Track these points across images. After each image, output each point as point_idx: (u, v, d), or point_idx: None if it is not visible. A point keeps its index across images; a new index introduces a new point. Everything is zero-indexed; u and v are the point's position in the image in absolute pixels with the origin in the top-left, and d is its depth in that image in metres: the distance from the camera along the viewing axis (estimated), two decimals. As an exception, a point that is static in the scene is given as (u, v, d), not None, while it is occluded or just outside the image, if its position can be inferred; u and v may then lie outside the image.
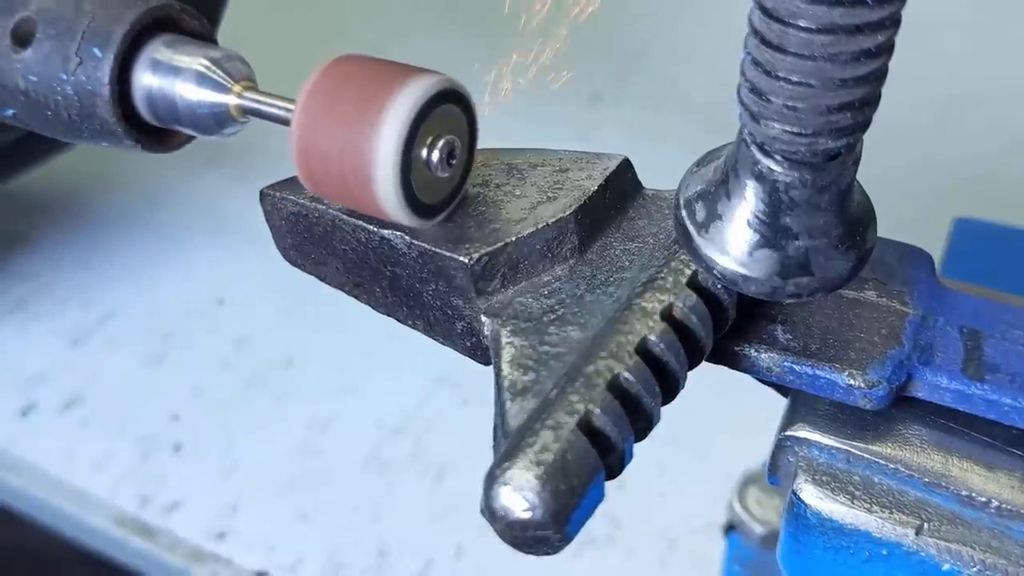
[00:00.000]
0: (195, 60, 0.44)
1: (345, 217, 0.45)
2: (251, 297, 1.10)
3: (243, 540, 0.90)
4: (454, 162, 0.42)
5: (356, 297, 0.49)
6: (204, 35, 0.47)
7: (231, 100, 0.44)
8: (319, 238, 0.47)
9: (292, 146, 0.41)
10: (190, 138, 0.48)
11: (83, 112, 0.45)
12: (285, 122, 0.43)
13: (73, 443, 0.98)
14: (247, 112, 0.44)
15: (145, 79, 0.45)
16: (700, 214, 0.38)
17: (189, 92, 0.44)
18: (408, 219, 0.41)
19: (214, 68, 0.44)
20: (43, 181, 1.24)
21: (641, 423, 0.38)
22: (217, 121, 0.45)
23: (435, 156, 0.41)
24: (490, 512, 0.34)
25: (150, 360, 1.06)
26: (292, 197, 0.47)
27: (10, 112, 0.47)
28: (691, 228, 0.39)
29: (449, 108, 0.41)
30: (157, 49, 0.45)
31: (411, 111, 0.39)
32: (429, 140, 0.41)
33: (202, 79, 0.44)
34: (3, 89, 0.46)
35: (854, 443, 0.41)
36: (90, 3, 0.45)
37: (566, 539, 0.35)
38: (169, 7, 0.46)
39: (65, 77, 0.45)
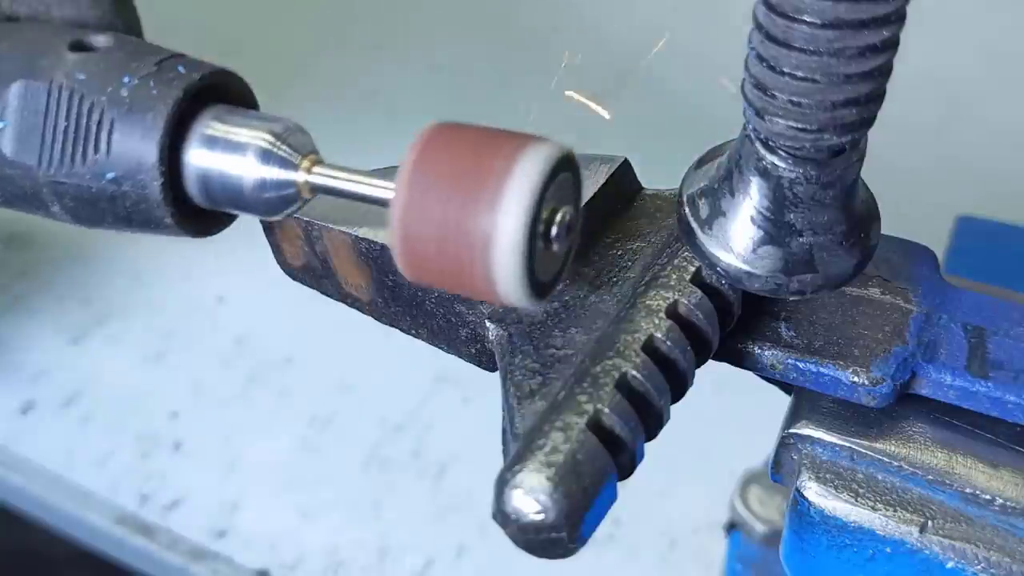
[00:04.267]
0: (256, 135, 0.38)
1: (345, 231, 0.45)
2: (251, 295, 1.10)
3: (243, 538, 0.90)
4: (571, 234, 0.37)
5: (359, 309, 0.48)
6: (252, 102, 0.42)
7: (300, 177, 0.38)
8: (319, 252, 0.47)
9: (394, 231, 0.36)
10: (233, 219, 0.43)
11: (129, 205, 0.39)
12: (378, 202, 0.38)
13: (73, 441, 0.98)
14: (317, 190, 0.39)
15: (198, 159, 0.39)
16: (703, 211, 0.38)
17: (252, 171, 0.38)
18: (526, 301, 0.36)
19: (278, 143, 0.39)
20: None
21: (651, 421, 0.37)
22: (285, 201, 0.39)
23: (553, 231, 0.36)
24: (502, 516, 0.34)
25: (150, 358, 1.06)
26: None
27: (56, 208, 0.41)
28: (694, 225, 0.38)
29: (564, 176, 0.36)
30: (207, 124, 0.39)
31: (534, 187, 0.34)
32: (546, 214, 0.36)
33: (267, 156, 0.38)
34: (43, 184, 0.41)
35: (858, 440, 0.41)
36: (124, 85, 0.39)
37: (579, 541, 0.34)
38: (219, 74, 0.40)
39: (106, 168, 0.39)
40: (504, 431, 0.38)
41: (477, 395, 0.98)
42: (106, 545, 0.94)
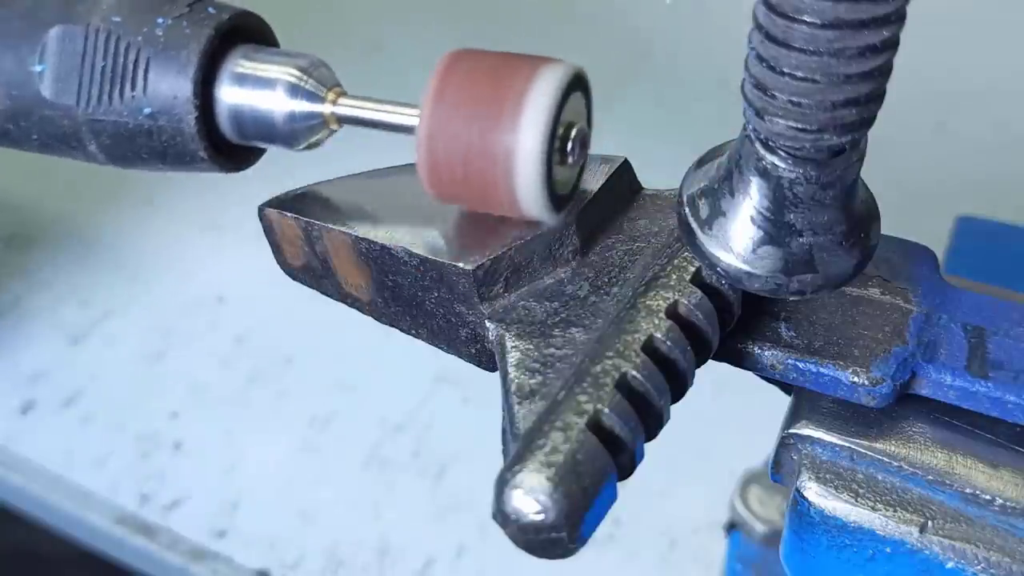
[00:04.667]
0: (284, 70, 0.41)
1: (345, 231, 0.45)
2: (251, 294, 1.10)
3: (243, 538, 0.90)
4: (585, 150, 0.40)
5: (359, 309, 0.48)
6: (275, 43, 0.43)
7: (327, 109, 0.41)
8: (319, 253, 0.47)
9: (420, 154, 0.39)
10: (262, 153, 0.45)
11: (165, 139, 0.41)
12: (402, 129, 0.40)
13: (73, 441, 0.98)
14: (344, 121, 0.41)
15: (229, 96, 0.41)
16: (703, 211, 0.38)
17: (282, 104, 0.41)
18: (547, 214, 0.40)
19: (305, 77, 0.41)
20: (42, 179, 1.24)
21: (651, 421, 0.37)
22: (312, 132, 0.42)
23: (569, 147, 0.39)
24: (502, 516, 0.34)
25: (150, 357, 1.06)
26: (291, 213, 0.47)
27: (93, 147, 0.43)
28: (694, 225, 0.38)
29: (576, 96, 0.39)
30: (237, 62, 0.41)
31: (551, 104, 0.37)
32: (562, 131, 0.39)
33: (295, 90, 0.41)
34: (82, 123, 0.42)
35: (858, 440, 0.41)
36: (158, 26, 0.41)
37: (579, 541, 0.34)
38: (245, 15, 0.42)
39: (143, 104, 0.41)
40: (504, 431, 0.38)
41: (477, 395, 0.99)
42: (106, 545, 0.94)
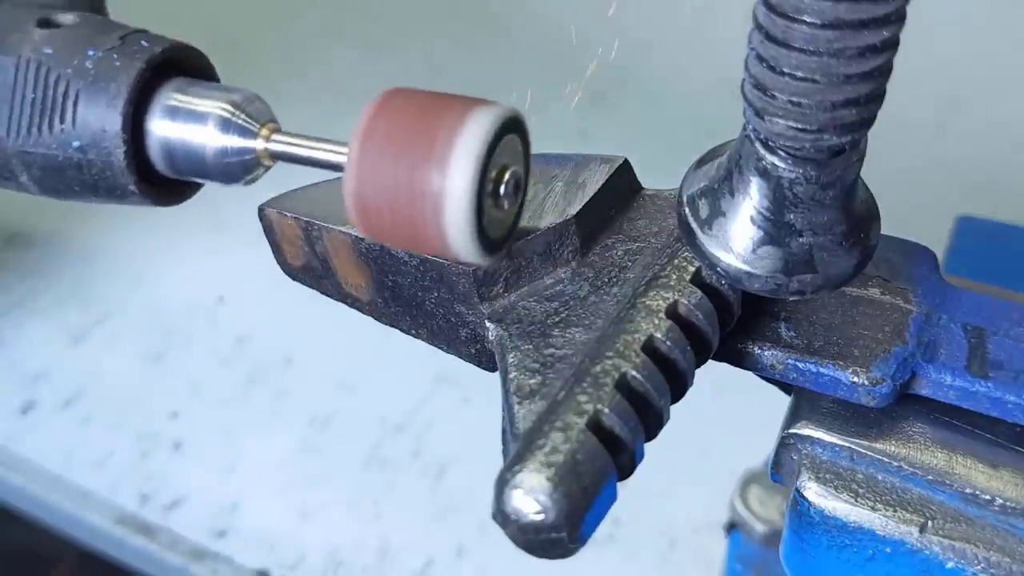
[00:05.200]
0: (216, 104, 0.40)
1: (345, 231, 0.45)
2: (251, 295, 1.10)
3: (243, 538, 0.90)
4: (519, 194, 0.40)
5: (359, 310, 0.49)
6: (212, 75, 0.43)
7: (259, 145, 0.40)
8: (319, 253, 0.47)
9: (348, 192, 0.38)
10: (198, 188, 0.44)
11: (95, 172, 0.41)
12: (333, 167, 0.39)
13: (73, 441, 0.98)
14: (276, 157, 0.41)
15: (160, 129, 0.40)
16: (703, 211, 0.38)
17: (214, 140, 0.40)
18: (478, 257, 0.38)
19: (237, 112, 0.40)
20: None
21: (651, 421, 0.37)
22: (245, 169, 0.41)
23: (502, 190, 0.38)
24: (502, 516, 0.34)
25: (150, 358, 1.06)
26: (291, 213, 0.47)
27: (24, 178, 0.42)
28: (694, 225, 0.38)
29: (511, 138, 0.38)
30: (169, 96, 0.41)
31: (482, 145, 0.36)
32: (495, 173, 0.38)
33: (227, 125, 0.40)
34: (12, 155, 0.42)
35: (858, 441, 0.41)
36: (89, 58, 0.40)
37: (579, 541, 0.34)
38: (180, 48, 0.41)
39: (72, 137, 0.40)
40: (504, 431, 0.38)
41: (477, 395, 0.99)
42: (106, 545, 0.94)
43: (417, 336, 0.47)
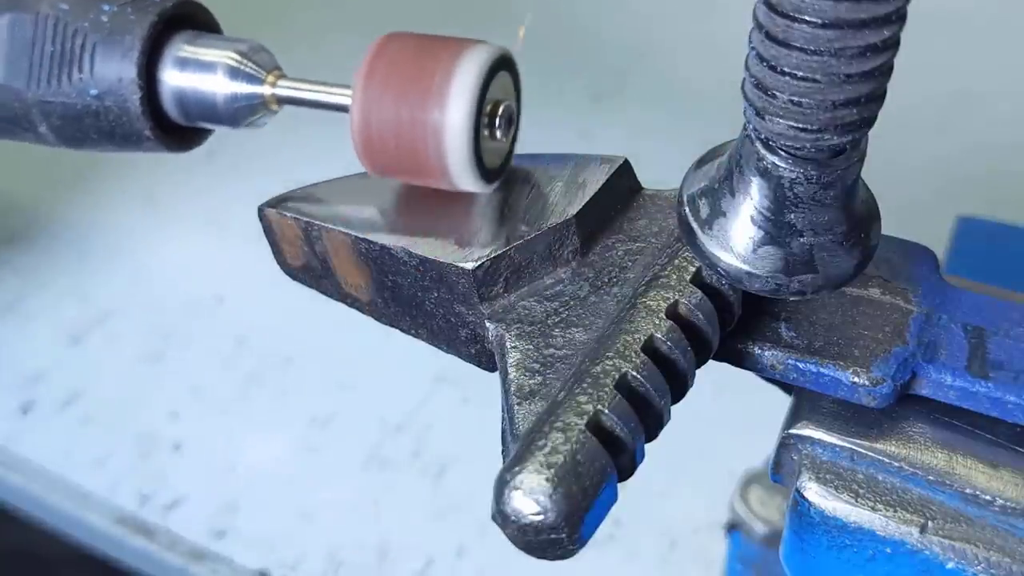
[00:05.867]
0: (224, 54, 0.43)
1: (345, 231, 0.45)
2: (251, 294, 1.10)
3: (243, 539, 0.90)
4: (512, 126, 0.43)
5: (359, 310, 0.49)
6: (217, 29, 0.46)
7: (266, 90, 0.44)
8: (319, 253, 0.47)
9: (354, 130, 0.41)
10: (209, 134, 0.47)
11: (112, 119, 0.43)
12: (337, 108, 0.43)
13: (72, 441, 0.98)
14: (283, 101, 0.44)
15: (173, 78, 0.43)
16: (704, 211, 0.38)
17: (223, 87, 0.43)
18: (477, 185, 0.43)
19: (244, 60, 0.44)
20: (41, 179, 1.24)
21: (651, 422, 0.37)
22: (253, 112, 0.44)
23: (497, 122, 0.42)
24: (501, 517, 0.34)
25: (149, 358, 1.06)
26: (290, 213, 0.47)
27: (43, 128, 0.45)
28: (694, 225, 0.38)
29: (503, 75, 0.42)
30: (180, 47, 0.44)
31: (477, 82, 0.40)
32: (489, 108, 0.42)
33: (235, 73, 0.43)
34: (32, 105, 0.44)
35: (858, 441, 0.41)
36: (104, 12, 0.43)
37: (579, 542, 0.34)
38: (187, 3, 0.44)
39: (90, 86, 0.43)
40: (504, 431, 0.38)
41: (477, 395, 0.98)
42: (105, 545, 0.94)
43: (417, 336, 0.47)
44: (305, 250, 0.48)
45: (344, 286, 0.48)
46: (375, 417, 0.99)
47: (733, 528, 0.72)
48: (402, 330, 0.48)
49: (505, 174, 0.45)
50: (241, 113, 0.44)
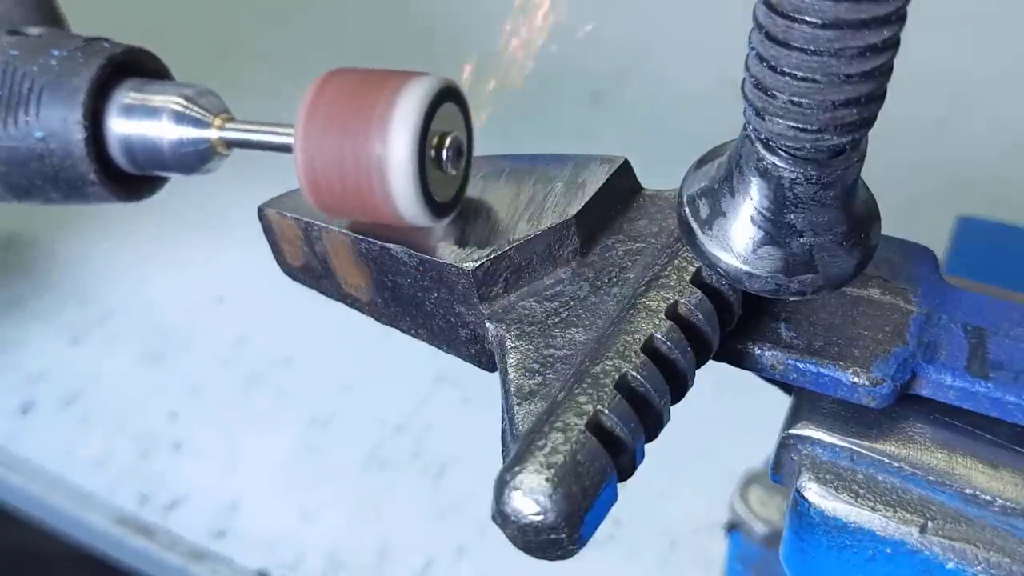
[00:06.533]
0: (169, 99, 0.43)
1: (345, 231, 0.45)
2: (251, 295, 1.10)
3: (243, 539, 0.90)
4: (461, 158, 0.42)
5: (359, 310, 0.49)
6: (165, 75, 0.46)
7: (213, 134, 0.43)
8: (319, 253, 0.47)
9: (299, 171, 0.41)
10: (163, 183, 0.47)
11: (56, 162, 0.43)
12: (282, 148, 0.42)
13: (72, 441, 0.98)
14: (231, 144, 0.44)
15: (119, 126, 0.43)
16: (703, 211, 0.38)
17: (169, 132, 0.43)
18: (427, 220, 0.41)
19: (190, 104, 0.43)
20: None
21: (651, 422, 0.37)
22: (201, 158, 0.44)
23: (444, 155, 0.41)
24: (501, 517, 0.34)
25: (150, 358, 1.06)
26: (291, 214, 0.47)
27: None
28: (694, 225, 0.38)
29: (448, 107, 0.41)
30: (126, 94, 0.43)
31: (419, 114, 0.39)
32: (435, 140, 0.41)
33: (180, 117, 0.43)
34: None
35: (858, 441, 0.41)
36: (54, 57, 0.43)
37: (579, 542, 0.34)
38: (137, 51, 0.44)
39: (35, 128, 0.42)
40: (504, 431, 0.38)
41: (477, 395, 0.98)
42: (105, 545, 0.94)
43: (417, 336, 0.47)
44: (305, 250, 0.48)
45: (344, 286, 0.48)
46: (375, 417, 0.99)
47: (733, 528, 0.72)
48: (402, 330, 0.48)
49: (459, 207, 0.44)
50: (189, 159, 0.43)
